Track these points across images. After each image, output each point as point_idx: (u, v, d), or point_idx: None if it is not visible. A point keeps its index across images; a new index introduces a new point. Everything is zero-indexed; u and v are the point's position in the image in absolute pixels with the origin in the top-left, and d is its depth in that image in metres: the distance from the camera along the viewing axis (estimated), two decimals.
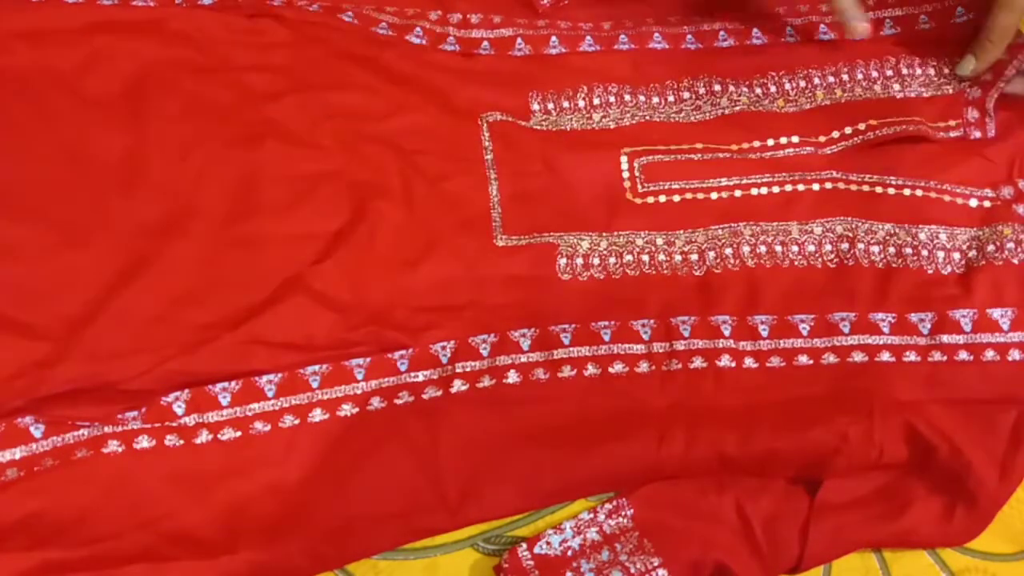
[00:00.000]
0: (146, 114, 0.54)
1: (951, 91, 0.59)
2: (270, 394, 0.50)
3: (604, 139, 0.58)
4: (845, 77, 0.60)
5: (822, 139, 0.59)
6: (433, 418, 0.51)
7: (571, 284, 0.55)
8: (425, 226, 0.55)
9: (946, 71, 0.60)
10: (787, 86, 0.60)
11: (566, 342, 0.53)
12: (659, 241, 0.56)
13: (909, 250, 0.55)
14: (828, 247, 0.56)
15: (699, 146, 0.58)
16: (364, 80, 0.58)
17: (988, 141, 0.58)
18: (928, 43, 0.61)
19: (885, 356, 0.53)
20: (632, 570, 0.48)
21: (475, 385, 0.52)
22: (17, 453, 0.46)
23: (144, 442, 0.48)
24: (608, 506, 0.51)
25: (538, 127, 0.59)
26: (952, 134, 0.58)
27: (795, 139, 0.59)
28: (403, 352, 0.52)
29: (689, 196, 0.57)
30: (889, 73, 0.60)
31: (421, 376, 0.52)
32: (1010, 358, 0.53)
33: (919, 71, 0.60)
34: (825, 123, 0.59)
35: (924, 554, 0.52)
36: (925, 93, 0.60)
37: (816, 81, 0.60)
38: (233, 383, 0.49)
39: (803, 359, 0.54)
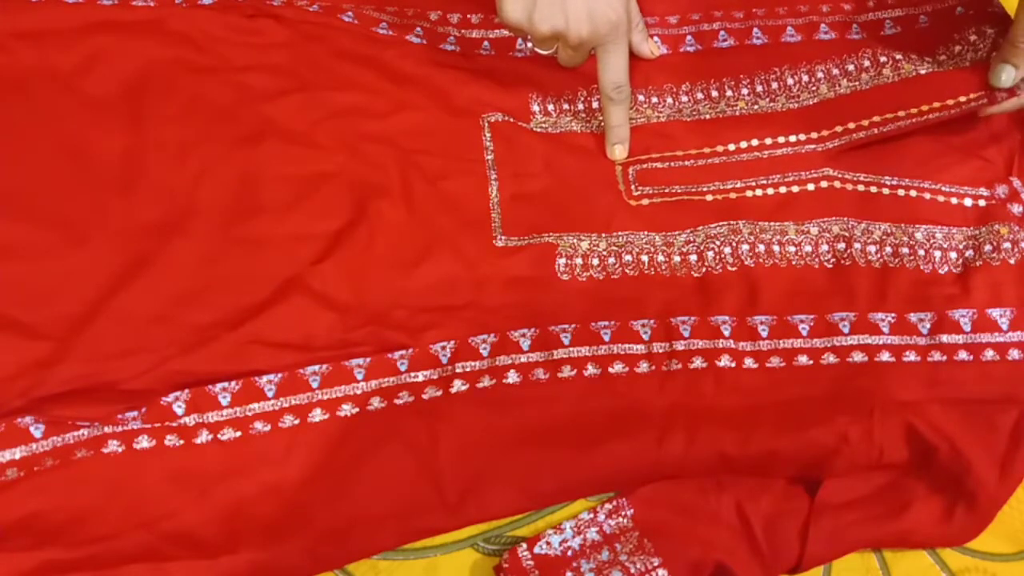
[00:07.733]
0: (146, 114, 0.54)
1: (967, 63, 0.58)
2: (270, 394, 0.50)
3: (603, 141, 0.58)
4: (851, 67, 0.60)
5: (825, 133, 0.58)
6: (433, 418, 0.50)
7: (570, 284, 0.55)
8: (425, 226, 0.55)
9: (956, 48, 0.59)
10: (789, 81, 0.60)
11: (566, 342, 0.53)
12: (658, 241, 0.56)
13: (906, 250, 0.55)
14: (825, 247, 0.56)
15: (693, 151, 0.58)
16: (364, 80, 0.58)
17: (985, 141, 0.58)
18: (930, 40, 0.61)
19: (885, 356, 0.53)
20: (632, 570, 0.48)
21: (475, 385, 0.52)
22: (17, 453, 0.46)
23: (144, 442, 0.48)
24: (608, 506, 0.51)
25: (538, 128, 0.59)
26: (973, 105, 0.56)
27: (793, 138, 0.58)
28: (403, 352, 0.52)
29: (684, 198, 0.57)
30: (898, 56, 0.60)
31: (421, 376, 0.52)
32: (1010, 358, 0.53)
33: (927, 55, 0.59)
34: (827, 118, 0.58)
35: (924, 554, 0.52)
36: (939, 69, 0.59)
37: (820, 75, 0.60)
38: (233, 383, 0.49)
39: (803, 359, 0.54)
